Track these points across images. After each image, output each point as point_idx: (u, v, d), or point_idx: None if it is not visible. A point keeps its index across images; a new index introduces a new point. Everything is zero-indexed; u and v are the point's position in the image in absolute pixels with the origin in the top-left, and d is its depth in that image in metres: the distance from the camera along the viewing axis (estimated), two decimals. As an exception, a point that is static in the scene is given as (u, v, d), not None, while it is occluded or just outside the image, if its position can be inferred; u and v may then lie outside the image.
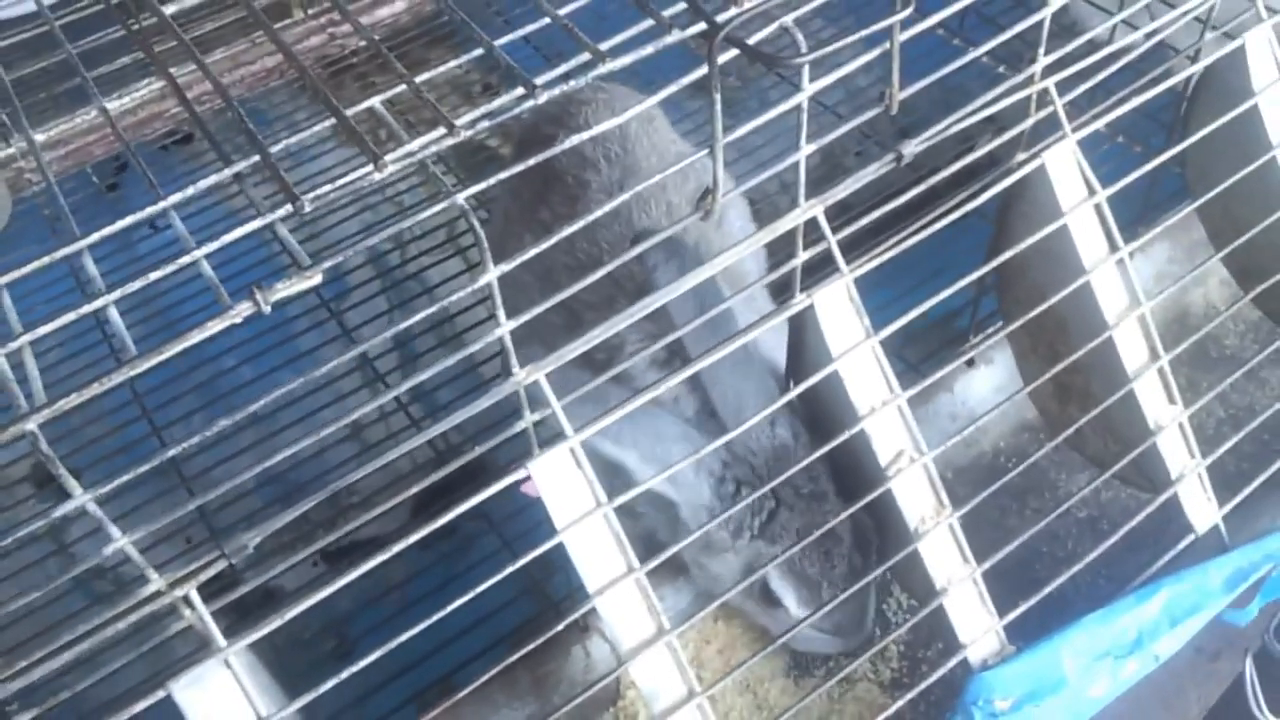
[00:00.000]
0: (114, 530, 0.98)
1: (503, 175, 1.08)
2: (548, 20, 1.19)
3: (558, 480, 1.25)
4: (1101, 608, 1.45)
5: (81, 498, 0.94)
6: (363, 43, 2.88)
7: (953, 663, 1.42)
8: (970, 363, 2.09)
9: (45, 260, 1.00)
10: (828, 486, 1.63)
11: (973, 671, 1.41)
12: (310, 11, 2.79)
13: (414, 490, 1.23)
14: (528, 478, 1.25)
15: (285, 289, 0.97)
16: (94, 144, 2.61)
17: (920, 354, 2.20)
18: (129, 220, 1.03)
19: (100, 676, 1.12)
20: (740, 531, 1.61)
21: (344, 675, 1.18)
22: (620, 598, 1.27)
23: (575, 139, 1.10)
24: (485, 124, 1.05)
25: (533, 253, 1.12)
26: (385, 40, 3.02)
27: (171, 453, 1.01)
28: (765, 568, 1.52)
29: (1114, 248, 1.53)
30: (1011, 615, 1.43)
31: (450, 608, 1.23)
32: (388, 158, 1.02)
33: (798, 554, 1.57)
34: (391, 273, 2.67)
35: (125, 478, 0.97)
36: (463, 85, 3.09)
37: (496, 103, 1.08)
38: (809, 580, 1.60)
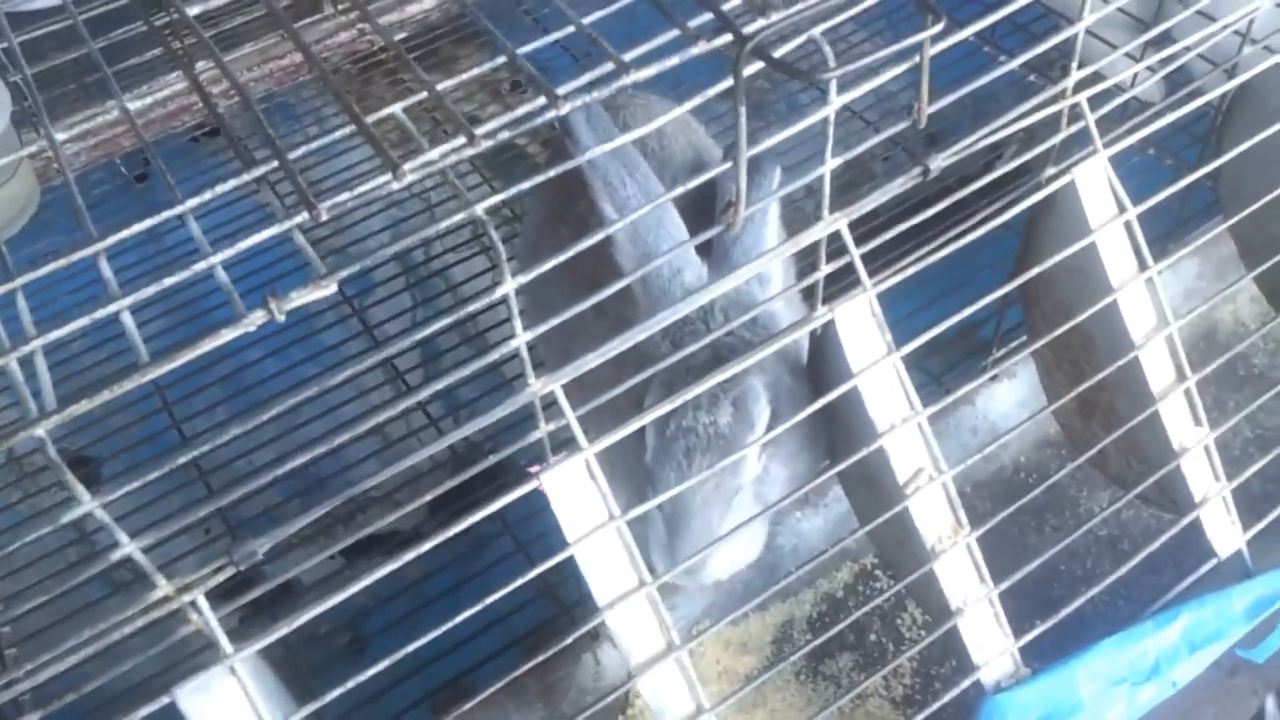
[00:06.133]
0: (122, 536, 0.98)
1: (528, 183, 1.08)
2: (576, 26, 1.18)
3: (570, 492, 1.24)
4: (1119, 630, 1.43)
5: (89, 504, 0.94)
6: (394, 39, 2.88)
7: (966, 684, 1.40)
8: (993, 377, 2.07)
9: (61, 262, 1.00)
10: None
11: (986, 693, 1.39)
12: (340, 7, 2.79)
13: (436, 493, 1.23)
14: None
15: (300, 298, 0.96)
16: (122, 135, 2.62)
17: (943, 365, 2.18)
18: (147, 223, 1.03)
19: (106, 679, 1.11)
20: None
21: (359, 680, 1.17)
22: (630, 611, 1.26)
23: (616, 142, 1.10)
24: (505, 134, 1.04)
25: (552, 264, 1.11)
26: (415, 36, 3.03)
27: (192, 455, 1.01)
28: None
29: (1143, 266, 1.50)
30: (1027, 638, 1.41)
31: (465, 614, 1.22)
32: (406, 166, 1.01)
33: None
34: (416, 269, 2.67)
35: (134, 485, 0.97)
36: (491, 83, 3.08)
37: (519, 111, 1.07)
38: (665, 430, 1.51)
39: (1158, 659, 1.41)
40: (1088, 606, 1.44)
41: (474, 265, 2.59)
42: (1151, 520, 1.95)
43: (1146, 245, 1.51)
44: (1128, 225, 1.50)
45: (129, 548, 0.98)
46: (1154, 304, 1.52)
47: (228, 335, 0.95)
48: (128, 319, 0.97)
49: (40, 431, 0.89)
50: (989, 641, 1.41)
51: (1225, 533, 1.54)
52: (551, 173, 1.12)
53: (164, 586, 1.05)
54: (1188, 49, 1.57)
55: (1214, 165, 1.67)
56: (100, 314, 0.94)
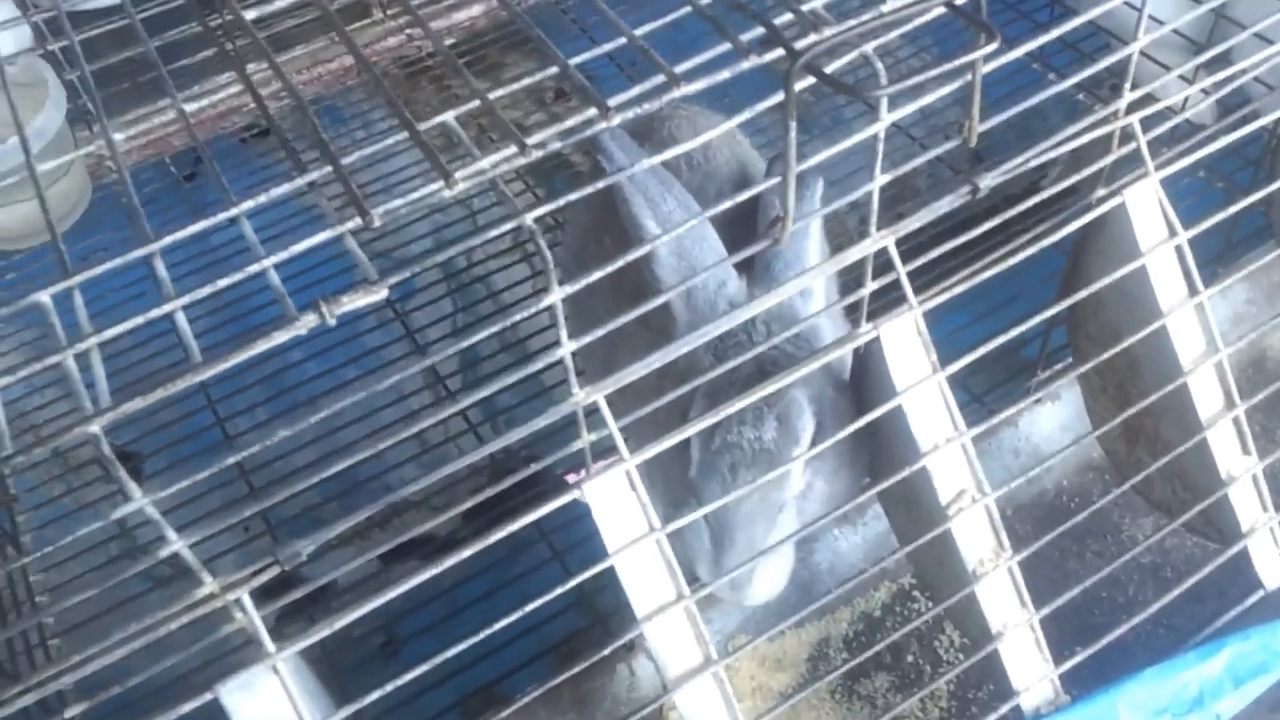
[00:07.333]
0: (171, 533, 0.99)
1: (576, 195, 1.08)
2: (624, 37, 1.19)
3: (611, 503, 1.24)
4: (1160, 659, 1.41)
5: (140, 501, 0.95)
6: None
7: (1004, 709, 1.39)
8: (1037, 399, 2.05)
9: (117, 262, 1.02)
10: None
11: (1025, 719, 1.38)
12: (389, 12, 2.81)
13: (475, 502, 1.23)
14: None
15: (351, 302, 0.97)
16: (173, 135, 2.65)
17: (985, 384, 2.16)
18: (201, 225, 1.04)
19: (150, 673, 1.12)
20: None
21: (394, 685, 1.18)
22: (668, 625, 1.26)
23: (660, 156, 1.10)
24: (556, 144, 1.05)
25: (598, 275, 1.11)
26: (462, 43, 3.05)
27: (240, 456, 1.02)
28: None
29: (1193, 291, 1.49)
30: (1068, 665, 1.40)
31: (502, 623, 1.23)
32: (458, 174, 1.01)
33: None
34: (458, 275, 2.68)
35: (184, 484, 0.98)
36: (536, 90, 3.09)
37: (570, 122, 1.07)
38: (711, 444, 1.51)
39: (1201, 691, 1.39)
40: (1129, 634, 1.43)
41: (514, 272, 2.60)
42: (1196, 549, 1.93)
43: (1197, 269, 1.49)
44: (1178, 249, 1.49)
45: (177, 545, 0.99)
46: (1203, 330, 1.50)
47: (280, 337, 0.96)
48: (181, 319, 0.98)
49: (95, 428, 0.90)
50: (1029, 667, 1.39)
51: (1273, 564, 1.52)
52: (601, 184, 1.13)
53: (210, 584, 1.06)
54: (1243, 71, 1.55)
55: (1268, 190, 1.65)
56: (155, 313, 0.95)
